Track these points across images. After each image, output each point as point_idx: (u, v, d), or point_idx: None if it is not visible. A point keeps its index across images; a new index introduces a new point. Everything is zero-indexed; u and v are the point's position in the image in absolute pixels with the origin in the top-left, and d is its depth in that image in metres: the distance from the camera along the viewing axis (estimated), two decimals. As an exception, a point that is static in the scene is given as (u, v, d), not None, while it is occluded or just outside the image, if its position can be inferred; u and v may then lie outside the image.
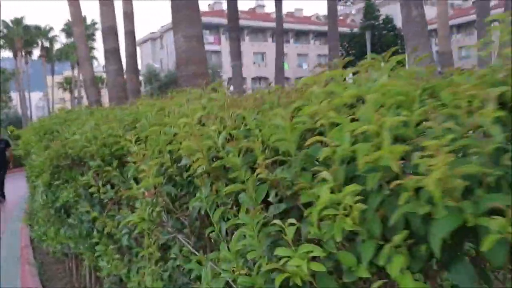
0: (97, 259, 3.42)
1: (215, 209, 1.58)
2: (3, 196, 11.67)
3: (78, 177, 3.48)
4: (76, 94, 58.86)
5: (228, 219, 1.49)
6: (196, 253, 1.84)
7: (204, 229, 1.76)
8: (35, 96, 69.95)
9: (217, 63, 42.64)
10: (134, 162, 2.22)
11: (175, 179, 2.02)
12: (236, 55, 16.60)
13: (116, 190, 2.86)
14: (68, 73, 64.16)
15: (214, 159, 1.58)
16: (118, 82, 10.43)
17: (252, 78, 54.22)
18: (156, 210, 2.12)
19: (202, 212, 1.69)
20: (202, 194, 1.63)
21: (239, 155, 1.41)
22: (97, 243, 3.20)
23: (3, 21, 55.23)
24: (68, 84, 62.45)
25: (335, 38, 17.49)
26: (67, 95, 65.21)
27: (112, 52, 10.50)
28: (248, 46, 53.57)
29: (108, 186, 2.93)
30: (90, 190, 3.05)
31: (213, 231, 1.59)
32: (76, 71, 58.43)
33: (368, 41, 21.50)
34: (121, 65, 10.75)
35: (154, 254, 2.18)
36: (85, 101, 56.01)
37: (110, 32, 10.39)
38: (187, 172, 1.79)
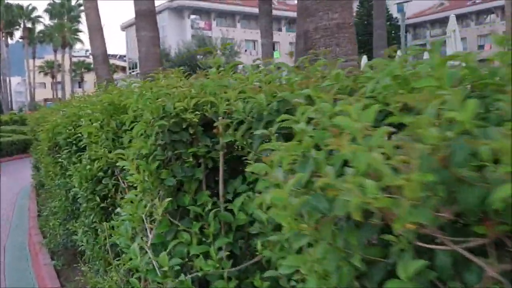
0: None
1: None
2: None
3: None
4: (59, 78, 55.72)
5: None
6: None
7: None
8: (13, 81, 66.13)
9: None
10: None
11: None
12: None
13: None
14: (49, 56, 60.67)
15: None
16: (153, 54, 8.34)
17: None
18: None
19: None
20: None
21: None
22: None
23: (-19, -2, 51.60)
24: (50, 68, 59.06)
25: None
26: (48, 80, 61.76)
27: (145, 15, 8.43)
28: (240, 33, 51.59)
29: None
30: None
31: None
32: (59, 55, 55.22)
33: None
34: (158, 32, 8.67)
35: None
36: (68, 87, 53.09)
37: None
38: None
